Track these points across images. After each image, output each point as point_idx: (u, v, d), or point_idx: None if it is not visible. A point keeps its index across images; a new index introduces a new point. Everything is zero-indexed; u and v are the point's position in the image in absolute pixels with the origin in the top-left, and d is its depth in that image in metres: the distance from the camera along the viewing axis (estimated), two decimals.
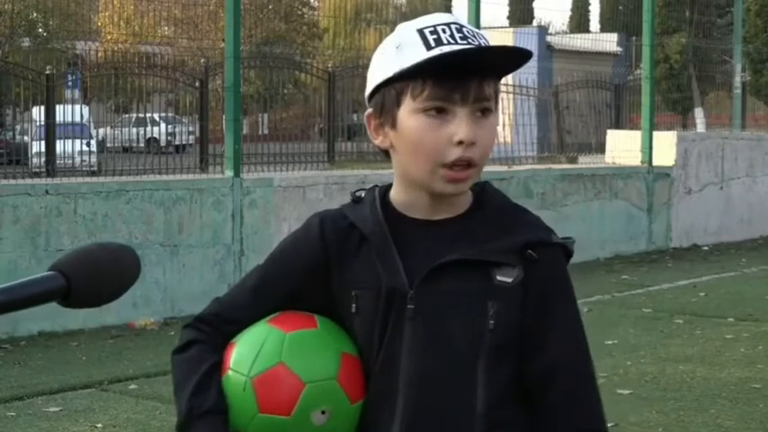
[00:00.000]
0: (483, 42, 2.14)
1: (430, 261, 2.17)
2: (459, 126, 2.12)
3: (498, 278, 2.16)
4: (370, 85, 2.24)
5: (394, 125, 2.19)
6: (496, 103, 2.20)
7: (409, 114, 2.15)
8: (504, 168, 15.42)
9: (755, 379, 8.12)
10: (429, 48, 2.11)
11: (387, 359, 2.18)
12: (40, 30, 43.59)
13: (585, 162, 19.21)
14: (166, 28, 39.85)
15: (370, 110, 2.26)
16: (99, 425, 7.10)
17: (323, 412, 2.15)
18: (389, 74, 2.16)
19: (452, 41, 2.11)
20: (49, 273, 1.79)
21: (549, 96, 24.70)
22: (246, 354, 2.19)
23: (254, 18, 39.16)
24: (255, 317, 2.25)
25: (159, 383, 8.14)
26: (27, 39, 41.29)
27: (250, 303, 2.28)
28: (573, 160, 21.81)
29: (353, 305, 2.21)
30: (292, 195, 11.89)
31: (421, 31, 2.14)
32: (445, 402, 2.16)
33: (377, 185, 2.30)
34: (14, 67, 23.08)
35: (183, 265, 10.82)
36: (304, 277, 2.25)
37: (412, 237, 2.20)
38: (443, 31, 2.13)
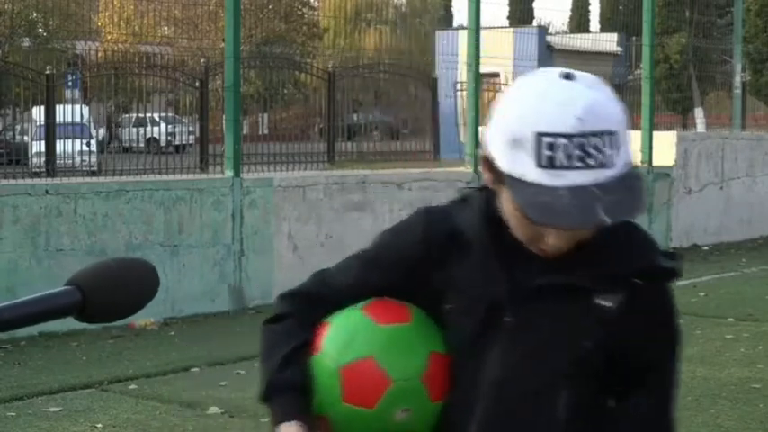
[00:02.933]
0: (609, 155, 2.00)
1: (531, 277, 2.16)
2: (550, 238, 2.09)
3: (599, 301, 2.16)
4: (490, 135, 2.12)
5: (497, 187, 2.14)
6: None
7: (509, 201, 2.10)
8: None
9: (755, 379, 8.12)
10: (540, 164, 1.99)
11: (475, 365, 2.19)
12: (40, 30, 43.56)
13: None
14: (166, 28, 39.83)
15: (484, 156, 2.15)
16: (99, 425, 7.10)
17: (405, 410, 2.16)
18: (502, 166, 2.07)
19: (568, 163, 1.99)
20: (66, 287, 1.80)
21: None
22: (338, 340, 2.20)
23: (254, 18, 39.14)
24: (352, 300, 2.25)
25: (159, 383, 8.14)
26: (27, 39, 41.27)
27: (349, 287, 2.28)
28: None
29: (450, 305, 2.21)
30: (292, 195, 11.88)
31: (538, 139, 2.00)
32: (527, 416, 2.18)
33: (486, 187, 2.22)
34: (14, 67, 23.10)
35: (183, 265, 10.82)
36: (404, 271, 2.25)
37: (515, 249, 2.16)
38: (562, 148, 1.99)
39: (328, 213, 12.15)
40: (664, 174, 16.08)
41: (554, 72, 2.07)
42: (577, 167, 1.98)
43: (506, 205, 2.11)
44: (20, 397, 7.74)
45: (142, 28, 38.36)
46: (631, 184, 2.03)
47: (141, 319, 10.22)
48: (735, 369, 8.43)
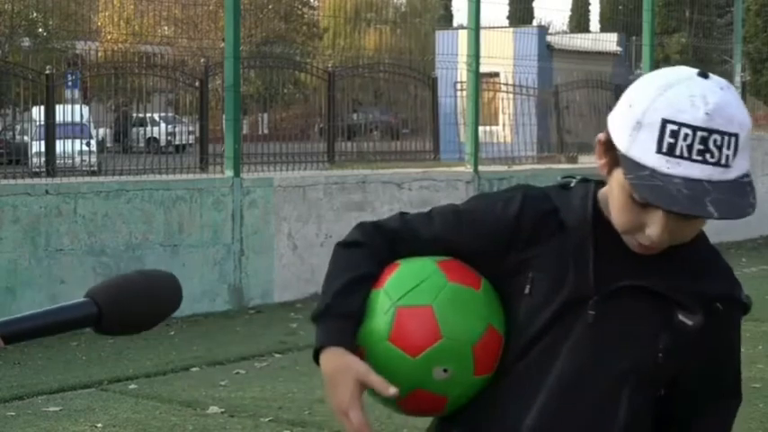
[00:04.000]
0: (728, 155, 2.03)
1: (621, 277, 2.18)
2: (653, 226, 2.09)
3: (680, 317, 2.18)
4: (614, 117, 2.15)
5: (610, 172, 2.16)
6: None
7: (618, 183, 2.12)
8: (504, 168, 15.43)
9: (756, 378, 8.13)
10: (660, 150, 2.02)
11: (545, 352, 2.19)
12: (40, 29, 43.55)
13: (586, 162, 19.21)
14: (166, 28, 39.82)
15: (603, 138, 2.19)
16: (99, 424, 7.10)
17: (445, 370, 2.14)
18: (620, 144, 2.09)
19: (687, 154, 2.01)
20: (82, 300, 1.81)
21: (549, 96, 24.71)
22: (404, 281, 2.19)
23: (254, 18, 39.14)
24: (429, 250, 2.24)
25: (159, 383, 8.14)
26: (27, 38, 41.25)
27: (430, 240, 2.27)
28: (573, 160, 21.81)
29: (528, 287, 2.21)
30: (292, 195, 11.88)
31: (664, 125, 2.02)
32: (587, 412, 2.18)
33: (590, 179, 2.27)
34: (14, 66, 23.06)
35: (183, 264, 10.81)
36: (488, 244, 2.24)
37: (610, 245, 2.18)
38: (685, 138, 2.01)
39: (328, 213, 12.15)
40: None
41: (691, 70, 2.10)
42: (695, 160, 2.01)
43: (615, 190, 2.13)
44: (20, 397, 7.75)
45: (142, 28, 38.35)
46: (743, 190, 2.06)
47: None
48: None
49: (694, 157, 2.01)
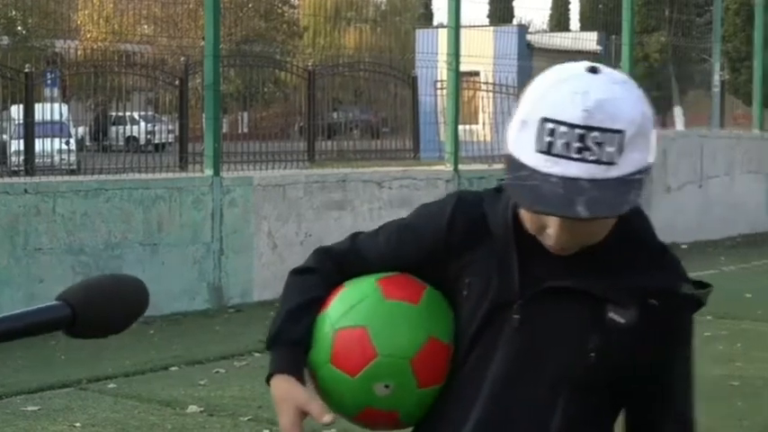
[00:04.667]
0: (610, 152, 1.98)
1: (546, 278, 2.14)
2: (550, 228, 2.07)
3: (611, 315, 2.13)
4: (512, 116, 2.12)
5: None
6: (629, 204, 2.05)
7: None
8: (485, 167, 15.44)
9: (734, 376, 8.15)
10: (539, 149, 1.99)
11: (478, 359, 2.19)
12: (19, 28, 43.40)
13: None
14: (146, 26, 39.72)
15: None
16: (77, 424, 7.08)
17: (386, 386, 2.18)
18: (509, 145, 2.07)
19: (565, 152, 1.97)
20: (55, 302, 1.81)
21: None
22: (344, 303, 2.24)
23: (234, 16, 39.08)
24: (376, 270, 2.27)
25: (138, 382, 8.13)
26: (6, 37, 41.08)
27: (376, 259, 2.29)
28: None
29: (465, 291, 2.21)
30: (272, 194, 11.87)
31: (542, 124, 1.99)
32: (522, 418, 2.16)
33: None
34: None
35: (162, 263, 10.79)
36: (428, 255, 2.25)
37: (535, 248, 2.14)
38: (563, 135, 1.97)
39: (308, 212, 12.15)
40: None
41: (582, 65, 2.07)
42: (573, 158, 1.97)
43: None
44: None
45: (122, 26, 38.27)
46: (626, 188, 2.01)
47: None
48: (713, 367, 8.46)
49: (572, 155, 1.97)
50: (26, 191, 10.16)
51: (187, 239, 11.09)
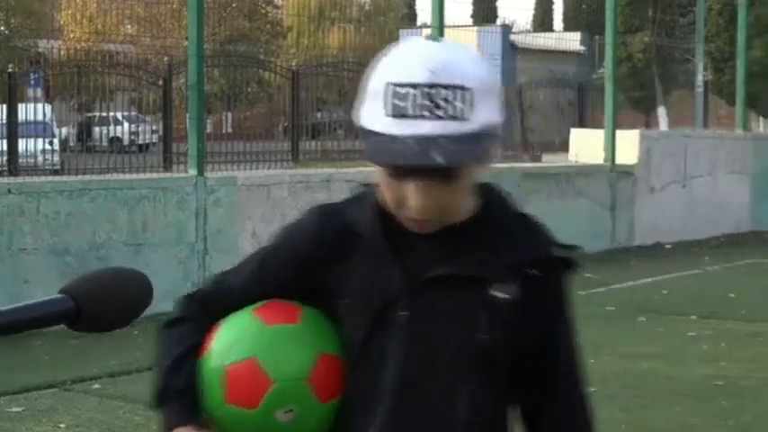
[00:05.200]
0: (459, 108, 2.01)
1: (425, 270, 2.13)
2: (410, 198, 2.08)
3: (494, 293, 2.13)
4: (359, 99, 2.15)
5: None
6: (482, 159, 2.10)
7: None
8: None
9: (718, 376, 8.17)
10: (390, 113, 2.02)
11: (371, 363, 2.16)
12: (2, 27, 43.29)
13: (549, 161, 19.26)
14: (129, 26, 39.69)
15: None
16: (62, 425, 7.07)
17: (288, 411, 2.14)
18: (360, 118, 2.10)
19: (416, 112, 2.01)
20: (59, 296, 1.79)
21: (512, 95, 24.77)
22: (225, 341, 2.19)
23: (218, 16, 39.06)
24: (246, 302, 2.22)
25: (123, 383, 8.12)
26: None
27: (245, 289, 2.25)
28: (536, 159, 21.89)
29: (345, 302, 2.18)
30: (256, 194, 11.87)
31: (389, 88, 2.03)
32: (427, 412, 2.15)
33: (371, 183, 2.23)
34: None
35: (146, 263, 10.77)
36: (299, 272, 2.22)
37: (410, 242, 2.15)
38: (410, 97, 2.01)
39: (293, 212, 12.10)
40: (626, 172, 16.14)
41: (424, 37, 2.13)
42: (424, 117, 2.00)
43: (376, 171, 2.11)
44: None
45: (105, 26, 38.21)
46: (480, 139, 2.04)
47: None
48: (698, 366, 8.49)
49: (423, 113, 2.00)
50: (10, 191, 10.13)
51: (171, 239, 11.07)
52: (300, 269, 2.22)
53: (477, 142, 2.04)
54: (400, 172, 2.05)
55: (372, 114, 2.05)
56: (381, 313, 2.15)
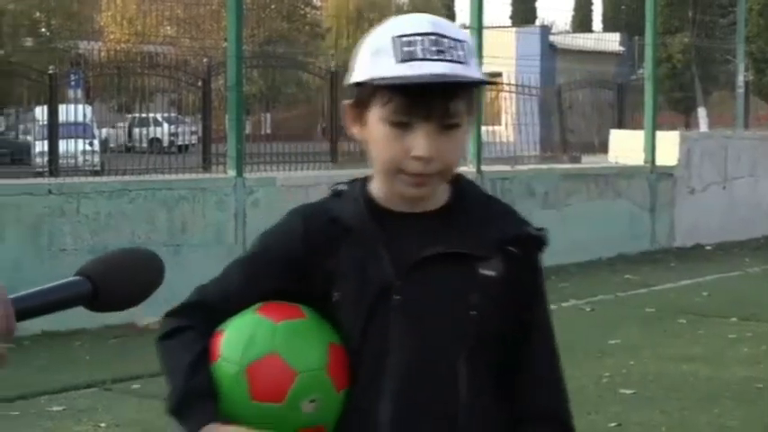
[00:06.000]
0: (461, 54, 2.14)
1: (415, 253, 2.20)
2: (418, 141, 2.15)
3: (482, 271, 2.21)
4: (349, 79, 2.26)
5: (365, 123, 2.22)
6: (471, 115, 2.21)
7: (376, 120, 2.18)
8: (507, 168, 15.43)
9: (759, 378, 8.12)
10: (400, 60, 2.13)
11: (373, 349, 2.20)
12: (43, 29, 43.61)
13: (588, 162, 19.20)
14: (169, 27, 39.89)
15: (348, 101, 2.26)
16: (102, 424, 7.11)
17: (312, 401, 2.18)
18: (362, 77, 2.19)
19: (426, 56, 2.13)
20: (76, 278, 1.81)
21: (551, 96, 24.71)
22: (237, 342, 2.21)
23: (257, 17, 39.18)
24: (240, 308, 2.25)
25: (163, 383, 8.14)
26: (30, 38, 41.28)
27: (237, 294, 2.28)
28: (576, 160, 21.82)
29: (337, 295, 2.22)
30: (295, 195, 11.88)
31: (396, 40, 2.16)
32: (431, 391, 2.19)
33: (357, 179, 2.33)
34: (18, 66, 23.10)
35: (185, 264, 10.80)
36: (288, 272, 2.26)
37: (396, 229, 2.22)
38: (419, 43, 2.14)
39: None
40: (667, 173, 16.07)
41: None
42: (435, 59, 2.12)
43: (374, 131, 2.19)
44: (23, 396, 7.75)
45: (145, 28, 38.42)
46: (478, 90, 2.26)
47: (145, 318, 10.23)
48: (738, 369, 8.43)
49: (433, 57, 2.13)
50: (50, 191, 10.20)
51: (210, 240, 11.11)
52: (295, 270, 2.26)
53: (477, 89, 2.22)
54: (409, 116, 2.15)
55: (384, 65, 2.15)
56: (376, 300, 2.20)
